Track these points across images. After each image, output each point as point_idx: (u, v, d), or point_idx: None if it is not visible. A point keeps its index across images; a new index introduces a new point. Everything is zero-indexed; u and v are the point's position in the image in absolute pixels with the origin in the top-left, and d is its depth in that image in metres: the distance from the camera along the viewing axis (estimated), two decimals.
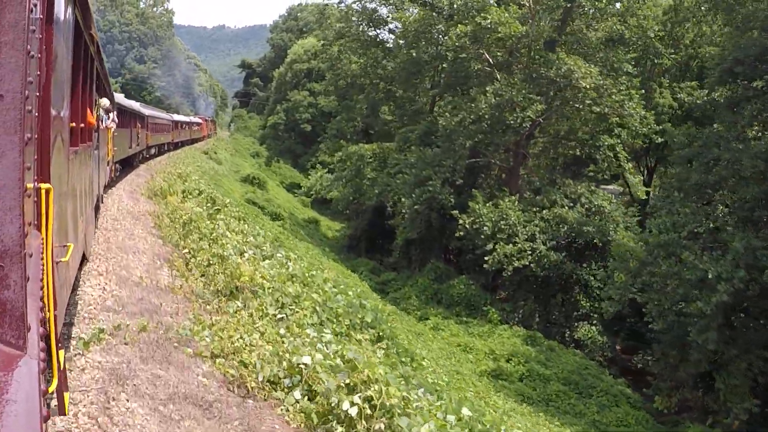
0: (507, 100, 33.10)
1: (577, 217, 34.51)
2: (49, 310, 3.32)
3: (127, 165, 27.36)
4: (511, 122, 33.32)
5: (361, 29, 50.67)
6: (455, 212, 34.31)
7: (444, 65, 37.58)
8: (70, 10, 5.14)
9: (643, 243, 26.08)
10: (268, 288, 10.02)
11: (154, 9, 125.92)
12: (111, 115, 15.58)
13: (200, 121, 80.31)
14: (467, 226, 33.37)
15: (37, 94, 3.26)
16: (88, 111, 8.16)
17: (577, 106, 34.79)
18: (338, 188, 45.38)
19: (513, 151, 37.88)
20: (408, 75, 43.83)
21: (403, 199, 35.76)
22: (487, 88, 34.09)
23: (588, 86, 33.29)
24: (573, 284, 37.60)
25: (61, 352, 3.65)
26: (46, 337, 3.20)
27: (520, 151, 38.36)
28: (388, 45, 52.63)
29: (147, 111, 34.69)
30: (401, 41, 44.36)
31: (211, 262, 11.49)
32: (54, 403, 4.08)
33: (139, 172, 32.38)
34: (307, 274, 12.10)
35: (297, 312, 9.46)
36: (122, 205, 18.86)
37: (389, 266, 42.24)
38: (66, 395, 4.08)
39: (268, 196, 52.50)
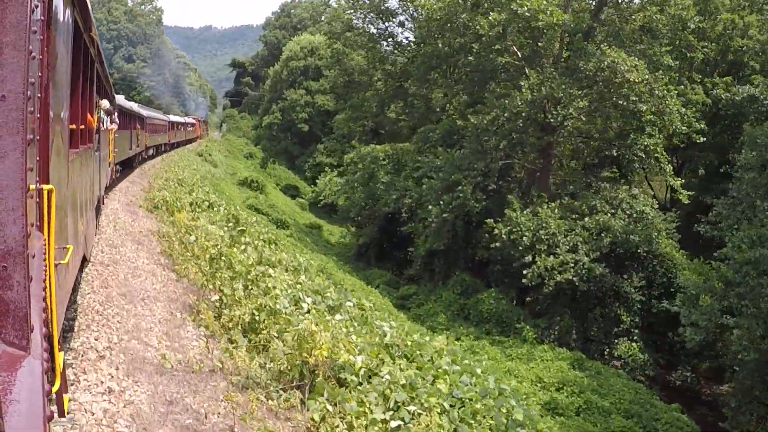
0: (546, 95, 29.64)
1: (622, 224, 31.12)
2: (51, 312, 3.32)
3: (126, 166, 26.98)
4: (551, 120, 29.87)
5: (368, 20, 47.13)
6: (489, 221, 30.83)
7: (469, 58, 34.07)
8: (69, 11, 5.13)
9: (724, 259, 22.68)
10: (361, 369, 6.47)
11: (143, 7, 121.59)
12: (112, 116, 15.55)
13: (194, 121, 77.88)
14: (504, 236, 29.87)
15: (39, 95, 3.26)
16: (89, 112, 8.08)
17: (621, 102, 31.33)
18: (349, 193, 41.77)
19: (542, 151, 34.44)
20: (426, 70, 40.26)
21: (429, 207, 32.17)
22: (522, 83, 30.62)
23: (636, 80, 29.89)
24: (612, 297, 34.32)
25: (61, 354, 3.59)
26: (48, 338, 3.14)
27: (550, 152, 34.91)
28: (397, 39, 49.16)
29: (145, 112, 34.37)
30: (421, 32, 40.62)
31: (256, 317, 7.94)
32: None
33: (134, 179, 28.74)
34: (410, 343, 8.38)
35: (420, 416, 5.90)
36: (119, 223, 15.23)
37: (407, 278, 38.64)
38: (65, 397, 4.06)
39: (270, 201, 48.76)
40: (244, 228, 13.56)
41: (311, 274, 13.94)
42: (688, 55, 42.86)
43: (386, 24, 48.27)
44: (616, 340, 34.86)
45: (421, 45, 40.69)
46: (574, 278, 29.91)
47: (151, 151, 38.46)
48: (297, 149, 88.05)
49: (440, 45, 35.80)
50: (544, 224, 29.80)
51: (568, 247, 30.01)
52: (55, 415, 3.57)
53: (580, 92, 30.43)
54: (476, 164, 31.43)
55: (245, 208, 40.08)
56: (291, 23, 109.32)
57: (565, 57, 32.97)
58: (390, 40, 48.80)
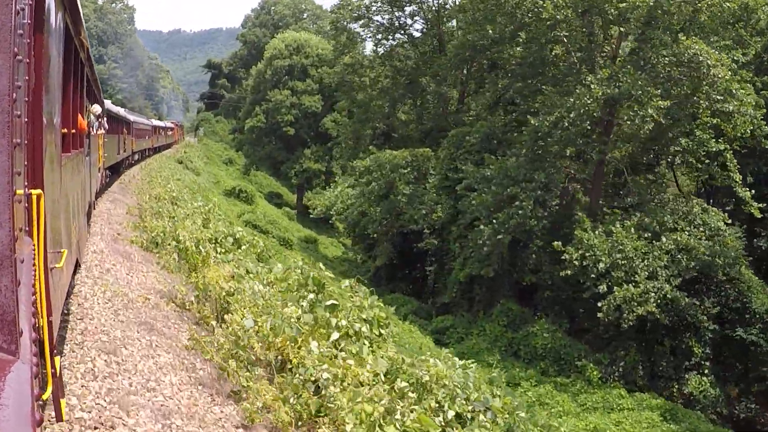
0: (622, 93, 24.45)
1: (707, 245, 26.04)
2: (42, 317, 3.30)
3: (114, 171, 26.49)
4: (628, 122, 24.73)
5: (377, 8, 41.66)
6: (557, 244, 25.51)
7: (517, 49, 28.93)
8: (60, 15, 5.09)
9: None
10: None
11: (113, 5, 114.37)
12: (101, 121, 15.44)
13: (172, 126, 75.05)
14: (575, 261, 24.57)
15: (27, 99, 3.24)
16: (79, 117, 8.19)
17: (703, 103, 26.26)
18: (365, 207, 36.06)
19: (593, 157, 29.25)
20: (459, 62, 34.88)
21: (481, 227, 26.68)
22: (588, 78, 25.40)
23: (723, 77, 24.91)
24: (684, 327, 29.37)
25: (57, 359, 3.60)
26: (39, 343, 3.14)
27: (602, 157, 29.69)
28: (408, 31, 43.73)
29: (132, 117, 34.04)
30: (465, 16, 34.83)
31: None
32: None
33: (115, 195, 22.95)
34: None
35: None
36: (107, 278, 9.57)
37: (440, 306, 33.00)
38: (63, 402, 4.02)
39: (269, 217, 42.92)
40: (336, 302, 7.90)
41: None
42: (740, 50, 38.17)
43: (399, 14, 42.86)
44: (685, 375, 30.27)
45: (458, 34, 35.28)
46: (656, 310, 24.74)
47: (136, 156, 37.61)
48: (282, 154, 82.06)
49: (490, 31, 30.24)
50: (619, 245, 24.55)
51: (647, 273, 24.81)
52: (53, 419, 3.74)
53: (657, 90, 25.27)
54: (535, 175, 26.12)
55: (242, 225, 34.31)
56: (272, 21, 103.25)
57: (631, 48, 27.85)
58: (402, 32, 43.39)
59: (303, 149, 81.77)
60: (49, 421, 4.37)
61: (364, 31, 46.44)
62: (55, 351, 3.54)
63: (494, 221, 26.15)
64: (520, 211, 25.65)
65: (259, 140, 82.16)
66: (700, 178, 33.69)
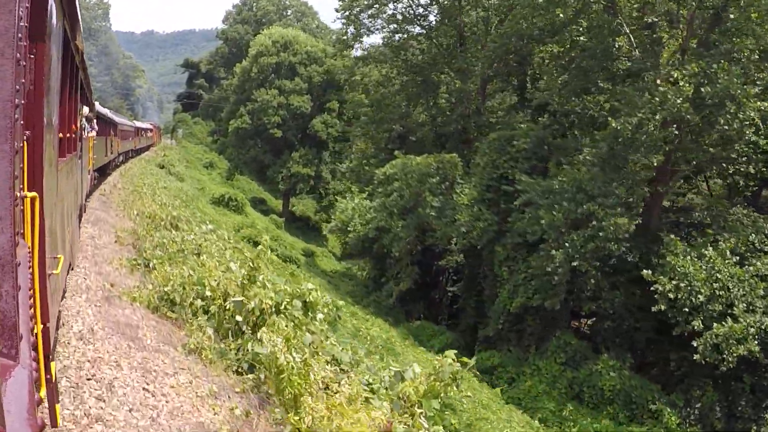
0: (719, 91, 20.15)
1: None
2: (38, 322, 3.29)
3: (101, 173, 26.10)
4: (725, 127, 20.49)
5: None
6: (646, 273, 21.12)
7: (581, 38, 24.66)
8: (60, 20, 5.10)
9: None
10: None
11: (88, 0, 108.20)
12: (92, 123, 15.67)
13: (152, 127, 71.46)
14: (669, 293, 20.22)
15: (23, 101, 3.18)
16: (74, 120, 8.27)
17: None
18: (386, 221, 31.23)
19: (682, 168, 24.93)
20: (503, 54, 30.38)
21: (553, 251, 22.12)
22: (675, 74, 21.09)
23: None
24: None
25: (53, 364, 3.59)
26: (36, 347, 3.16)
27: (667, 168, 25.38)
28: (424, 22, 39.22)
29: (117, 119, 33.25)
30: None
31: None
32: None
33: (98, 214, 18.17)
34: None
35: None
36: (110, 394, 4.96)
37: (481, 339, 28.38)
38: (57, 407, 3.97)
39: (274, 233, 38.07)
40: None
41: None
42: None
43: (413, 2, 38.30)
44: (765, 415, 26.33)
45: (493, 24, 30.76)
46: (756, 349, 20.51)
47: (121, 158, 36.72)
48: (268, 158, 77.01)
49: (560, 14, 25.61)
50: (716, 273, 20.28)
51: (744, 305, 20.56)
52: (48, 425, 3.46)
53: (755, 89, 21.05)
54: (615, 189, 21.73)
55: (241, 241, 29.47)
56: (254, 17, 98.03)
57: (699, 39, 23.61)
58: (416, 23, 38.86)
59: (290, 152, 76.84)
60: None
61: (372, 22, 41.91)
62: (51, 356, 3.51)
63: (567, 244, 21.65)
64: (600, 233, 21.20)
65: (243, 143, 77.12)
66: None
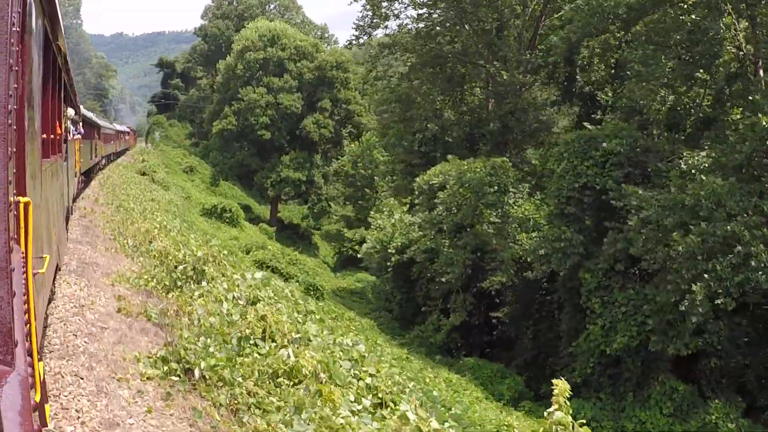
0: None
1: None
2: (32, 324, 3.28)
3: (86, 176, 24.81)
4: None
5: None
6: None
7: (688, 18, 19.97)
8: (40, 20, 5.04)
9: None
10: None
11: None
12: (78, 126, 15.51)
13: (128, 129, 68.60)
14: None
15: (15, 106, 3.23)
16: (57, 122, 8.17)
17: None
18: (436, 241, 25.82)
19: None
20: (583, 36, 25.46)
21: (694, 287, 17.06)
22: None
23: None
24: None
25: (40, 364, 3.53)
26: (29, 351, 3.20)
27: None
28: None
29: (100, 122, 33.14)
30: None
31: None
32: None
33: (82, 252, 12.79)
34: None
35: None
36: None
37: (537, 375, 23.36)
38: (47, 407, 3.95)
39: (289, 255, 32.60)
40: None
41: None
42: None
43: None
44: None
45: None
46: None
47: (104, 161, 35.93)
48: (256, 162, 71.35)
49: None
50: None
51: None
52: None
53: None
54: (756, 203, 16.89)
55: (254, 267, 24.18)
56: (235, 12, 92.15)
57: None
58: (443, 7, 33.77)
59: (280, 156, 71.35)
60: None
61: (390, 6, 36.78)
62: (39, 356, 3.47)
63: (706, 275, 16.74)
64: (750, 261, 16.32)
65: (228, 146, 71.36)
66: None
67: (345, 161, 69.61)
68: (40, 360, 3.49)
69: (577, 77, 32.28)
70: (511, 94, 32.13)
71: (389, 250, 26.11)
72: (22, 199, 3.24)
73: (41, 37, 5.17)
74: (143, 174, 48.06)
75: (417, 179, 29.19)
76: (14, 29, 2.93)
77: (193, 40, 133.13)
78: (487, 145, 32.58)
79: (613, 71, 32.64)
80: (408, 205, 30.47)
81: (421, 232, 26.04)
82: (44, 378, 4.10)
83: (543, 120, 31.94)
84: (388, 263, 25.84)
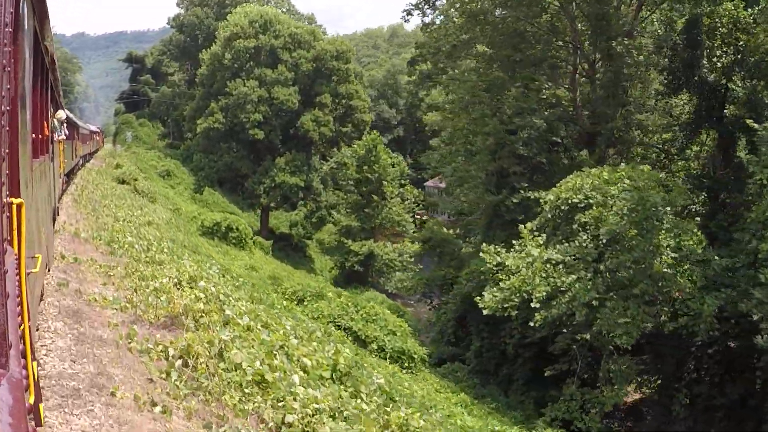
0: None
1: None
2: (25, 324, 3.28)
3: (68, 177, 23.80)
4: None
5: None
6: None
7: None
8: (31, 20, 5.02)
9: None
10: None
11: None
12: (63, 127, 15.41)
13: (97, 129, 59.25)
14: None
15: (8, 107, 3.25)
16: (45, 122, 8.29)
17: None
18: (599, 291, 17.65)
19: None
20: None
21: None
22: None
23: None
24: None
25: (34, 364, 3.58)
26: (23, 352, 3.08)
27: None
28: None
29: (78, 122, 31.89)
30: None
31: None
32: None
33: (67, 342, 4.05)
34: None
35: None
36: None
37: None
38: (41, 407, 3.94)
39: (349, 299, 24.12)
40: None
41: None
42: None
43: None
44: None
45: None
46: None
47: (81, 161, 33.30)
48: (247, 165, 62.58)
49: None
50: None
51: None
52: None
53: None
54: None
55: (325, 334, 15.82)
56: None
57: None
58: None
59: (273, 158, 62.76)
60: None
61: None
62: (33, 357, 3.46)
63: None
64: None
65: (215, 147, 62.43)
66: None
67: (348, 163, 61.21)
68: (33, 360, 3.46)
69: (704, 62, 24.75)
70: (620, 84, 24.56)
71: (533, 304, 17.89)
72: (15, 201, 3.26)
73: (32, 38, 5.19)
74: (122, 182, 39.39)
75: (542, 195, 20.93)
76: (7, 30, 2.95)
77: (157, 40, 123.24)
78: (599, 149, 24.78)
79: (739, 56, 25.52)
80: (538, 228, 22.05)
81: (573, 275, 17.87)
82: (38, 378, 4.01)
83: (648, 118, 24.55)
84: (533, 323, 17.75)
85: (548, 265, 18.20)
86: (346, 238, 60.99)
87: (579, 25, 28.22)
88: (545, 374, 20.47)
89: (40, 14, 5.69)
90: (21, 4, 3.89)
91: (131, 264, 13.23)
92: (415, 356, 19.96)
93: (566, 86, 29.74)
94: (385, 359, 17.95)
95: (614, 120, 25.41)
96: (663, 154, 27.80)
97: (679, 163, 27.17)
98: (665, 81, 26.29)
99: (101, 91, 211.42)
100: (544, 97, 28.69)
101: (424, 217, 71.88)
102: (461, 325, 27.77)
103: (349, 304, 20.14)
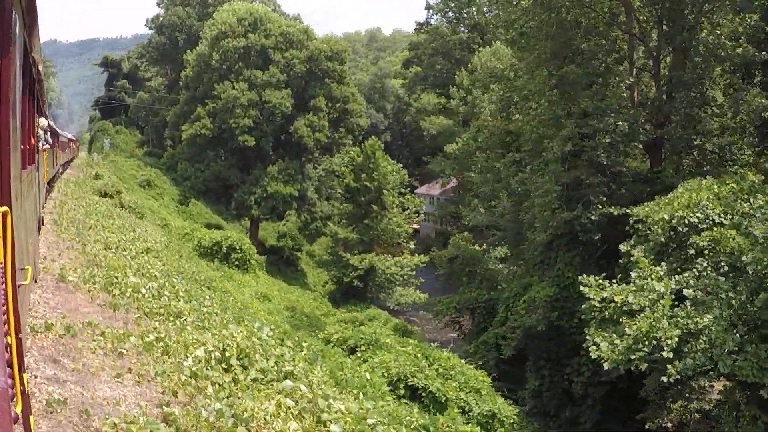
0: None
1: None
2: (11, 334, 3.25)
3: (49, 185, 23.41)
4: None
5: None
6: None
7: None
8: (21, 31, 5.03)
9: None
10: None
11: None
12: (47, 136, 15.24)
13: (73, 137, 55.47)
14: None
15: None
16: (32, 133, 8.26)
17: None
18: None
19: None
20: None
21: None
22: None
23: None
24: None
25: (24, 376, 3.55)
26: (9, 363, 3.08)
27: None
28: None
29: (59, 130, 31.73)
30: None
31: None
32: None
33: None
34: None
35: None
36: None
37: None
38: (31, 419, 3.85)
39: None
40: None
41: None
42: None
43: None
44: None
45: None
46: None
47: (60, 170, 32.48)
48: (236, 174, 58.23)
49: None
50: None
51: None
52: None
53: None
54: None
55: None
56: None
57: None
58: None
59: (264, 166, 58.54)
60: None
61: None
62: (23, 368, 3.42)
63: None
64: None
65: (201, 155, 58.02)
66: None
67: (345, 171, 57.22)
68: (24, 371, 3.45)
69: None
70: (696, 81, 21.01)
71: (665, 353, 13.83)
72: (1, 209, 3.25)
73: (22, 50, 5.21)
74: (105, 195, 35.04)
75: (646, 211, 16.94)
76: None
77: (131, 46, 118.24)
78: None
79: None
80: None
81: (708, 315, 13.89)
82: (28, 389, 3.94)
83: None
84: (666, 378, 13.81)
85: (670, 301, 14.41)
86: (344, 251, 56.97)
87: (642, 14, 24.66)
88: (636, 417, 16.67)
89: (30, 26, 5.75)
90: (12, 17, 3.93)
91: (143, 321, 9.31)
92: (505, 419, 15.91)
93: (625, 84, 26.06)
94: (468, 423, 14.07)
95: (689, 123, 21.82)
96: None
97: None
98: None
99: (74, 99, 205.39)
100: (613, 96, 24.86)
101: (414, 225, 67.95)
102: (513, 358, 23.98)
103: (419, 355, 16.22)
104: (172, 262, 18.83)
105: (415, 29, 76.59)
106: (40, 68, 9.12)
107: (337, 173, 71.52)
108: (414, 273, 58.62)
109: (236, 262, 31.48)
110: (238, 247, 32.26)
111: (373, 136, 58.54)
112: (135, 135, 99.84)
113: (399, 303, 56.94)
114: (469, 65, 55.89)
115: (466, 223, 45.65)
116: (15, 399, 2.96)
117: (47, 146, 15.40)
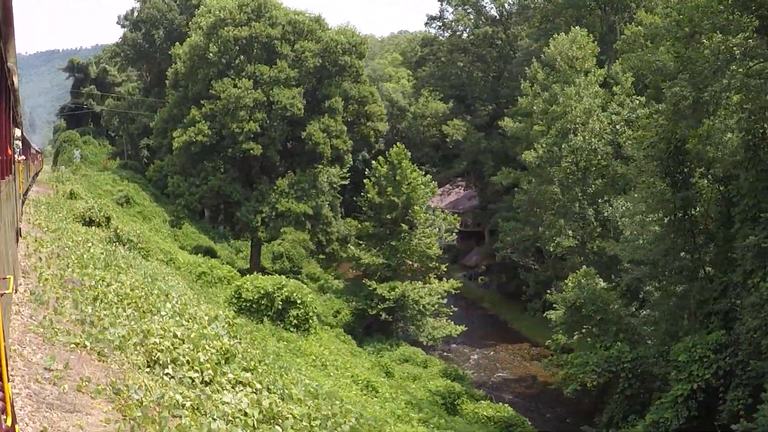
0: None
1: None
2: (0, 347, 3.01)
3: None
4: None
5: None
6: None
7: None
8: None
9: None
10: None
11: None
12: (20, 146, 15.15)
13: (39, 149, 49.59)
14: None
15: None
16: (8, 143, 8.11)
17: None
18: None
19: None
20: None
21: None
22: None
23: None
24: None
25: (8, 386, 3.52)
26: None
27: None
28: None
29: (30, 142, 31.77)
30: None
31: None
32: None
33: None
34: None
35: None
36: None
37: None
38: (17, 428, 3.83)
39: None
40: None
41: None
42: None
43: None
44: None
45: None
46: None
47: (31, 182, 31.76)
48: (238, 189, 48.69)
49: None
50: None
51: None
52: None
53: None
54: None
55: None
56: None
57: None
58: None
59: (272, 179, 49.26)
60: None
61: None
62: (8, 377, 3.28)
63: None
64: None
65: (196, 167, 48.39)
66: None
67: (368, 185, 48.12)
68: (8, 381, 3.36)
69: None
70: None
71: None
72: None
73: None
74: (90, 223, 25.80)
75: None
76: None
77: (91, 56, 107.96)
78: None
79: None
80: None
81: None
82: (12, 400, 3.87)
83: None
84: None
85: None
86: (369, 278, 47.77)
87: None
88: None
89: (5, 35, 5.69)
90: None
91: None
92: None
93: None
94: None
95: None
96: None
97: None
98: None
99: (35, 111, 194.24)
100: None
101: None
102: None
103: None
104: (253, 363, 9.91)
105: (426, 23, 68.10)
106: (15, 79, 8.71)
107: (334, 185, 62.77)
108: (445, 301, 49.91)
109: (294, 322, 22.31)
110: (299, 300, 22.97)
111: (398, 143, 49.54)
112: (105, 146, 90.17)
113: (433, 338, 48.03)
114: (535, 60, 47.33)
115: (551, 249, 37.13)
116: (5, 412, 2.94)
117: (23, 157, 15.41)
